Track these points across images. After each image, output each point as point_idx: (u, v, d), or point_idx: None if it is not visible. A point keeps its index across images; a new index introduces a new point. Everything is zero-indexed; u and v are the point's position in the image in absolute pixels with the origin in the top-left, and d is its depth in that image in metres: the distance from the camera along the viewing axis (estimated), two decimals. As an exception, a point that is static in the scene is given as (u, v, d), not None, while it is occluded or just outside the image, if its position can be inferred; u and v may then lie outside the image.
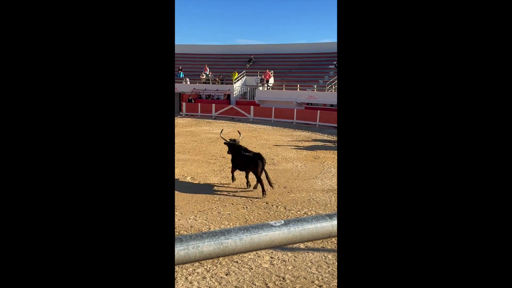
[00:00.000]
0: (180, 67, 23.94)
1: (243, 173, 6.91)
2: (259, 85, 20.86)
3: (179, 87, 22.73)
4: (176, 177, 7.35)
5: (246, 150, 6.91)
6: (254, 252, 3.98)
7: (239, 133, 8.65)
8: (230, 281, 3.47)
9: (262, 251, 3.89)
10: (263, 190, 6.25)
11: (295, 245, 4.05)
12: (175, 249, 0.79)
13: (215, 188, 6.74)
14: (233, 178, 6.99)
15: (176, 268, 3.54)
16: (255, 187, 6.59)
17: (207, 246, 0.81)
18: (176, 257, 0.79)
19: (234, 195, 6.30)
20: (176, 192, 6.35)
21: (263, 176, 6.33)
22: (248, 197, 6.21)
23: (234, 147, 7.00)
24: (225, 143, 7.35)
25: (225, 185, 6.90)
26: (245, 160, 6.63)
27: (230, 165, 7.21)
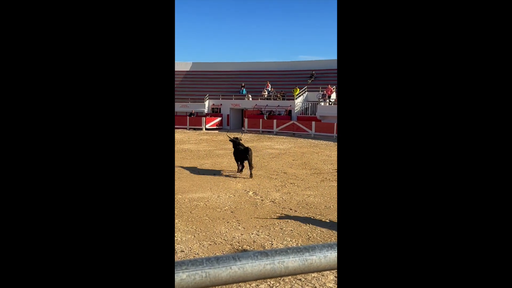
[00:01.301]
0: (243, 84, 24.67)
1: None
2: (320, 100, 20.68)
3: (241, 104, 23.39)
4: (238, 192, 7.48)
5: (242, 145, 9.48)
6: (318, 271, 3.88)
7: (241, 133, 11.24)
8: (294, 300, 3.41)
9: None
10: (251, 174, 8.86)
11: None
12: (262, 263, 0.79)
13: (277, 203, 6.72)
14: (238, 169, 9.31)
15: (240, 283, 3.56)
16: (250, 176, 8.81)
17: (292, 261, 0.80)
18: (262, 271, 0.79)
19: (296, 211, 6.23)
20: (238, 207, 6.45)
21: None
22: (310, 214, 6.10)
23: (235, 144, 9.56)
24: (229, 140, 9.92)
25: (287, 201, 6.86)
26: (239, 152, 9.34)
27: (292, 180, 8.08)
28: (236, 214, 6.06)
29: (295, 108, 21.53)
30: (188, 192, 7.43)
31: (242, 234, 5.14)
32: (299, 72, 25.17)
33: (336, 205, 6.38)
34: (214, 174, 9.25)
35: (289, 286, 3.61)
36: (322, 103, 20.47)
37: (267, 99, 23.10)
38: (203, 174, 9.24)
